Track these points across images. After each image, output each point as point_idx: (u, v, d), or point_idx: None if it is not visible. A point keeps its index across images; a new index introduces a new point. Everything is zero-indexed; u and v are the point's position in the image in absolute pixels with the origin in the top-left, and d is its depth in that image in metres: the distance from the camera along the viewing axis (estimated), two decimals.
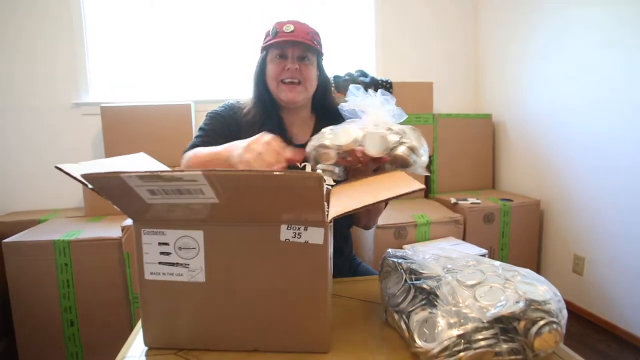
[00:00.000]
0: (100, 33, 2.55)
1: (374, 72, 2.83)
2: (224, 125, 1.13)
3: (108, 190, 0.63)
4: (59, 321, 1.79)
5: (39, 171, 2.45)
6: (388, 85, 2.53)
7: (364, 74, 2.60)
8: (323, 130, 0.92)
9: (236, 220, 0.64)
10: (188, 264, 0.66)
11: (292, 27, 1.09)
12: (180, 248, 0.66)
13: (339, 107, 0.96)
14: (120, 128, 2.23)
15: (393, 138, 0.86)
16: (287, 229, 0.63)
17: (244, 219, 0.64)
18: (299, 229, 0.63)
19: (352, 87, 0.95)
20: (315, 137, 0.92)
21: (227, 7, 2.66)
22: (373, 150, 0.85)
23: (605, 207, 2.15)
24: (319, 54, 1.15)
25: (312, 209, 0.61)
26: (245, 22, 2.69)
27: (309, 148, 0.92)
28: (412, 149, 0.87)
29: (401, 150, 0.86)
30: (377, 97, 0.92)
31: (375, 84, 2.51)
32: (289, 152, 0.83)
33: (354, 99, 0.93)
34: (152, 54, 2.61)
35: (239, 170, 0.59)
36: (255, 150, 0.80)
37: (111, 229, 1.85)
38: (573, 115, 2.32)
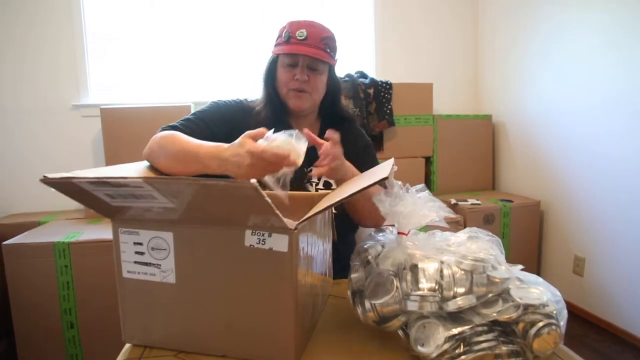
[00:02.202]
0: (100, 35, 2.55)
1: (374, 73, 2.83)
2: (217, 118, 1.09)
3: (72, 194, 0.63)
4: (58, 323, 1.78)
5: (39, 173, 2.44)
6: (388, 87, 2.53)
7: (364, 75, 2.60)
8: None
9: (204, 222, 0.63)
10: (160, 265, 0.66)
11: (305, 34, 1.06)
12: (152, 248, 0.66)
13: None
14: (120, 129, 2.23)
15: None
16: (252, 234, 0.62)
17: (210, 221, 0.63)
18: (263, 235, 0.61)
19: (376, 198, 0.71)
20: None
21: (226, 8, 2.66)
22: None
23: (606, 207, 2.15)
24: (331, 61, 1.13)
25: (265, 214, 0.58)
26: (245, 24, 2.69)
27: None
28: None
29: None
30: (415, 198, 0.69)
31: (375, 85, 2.51)
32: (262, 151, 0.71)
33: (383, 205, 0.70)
34: (151, 56, 2.61)
35: (176, 178, 0.57)
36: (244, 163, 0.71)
37: (111, 231, 1.84)
38: (573, 116, 2.32)
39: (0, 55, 2.40)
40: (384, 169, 0.73)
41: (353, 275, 0.72)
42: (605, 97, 2.13)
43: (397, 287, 0.63)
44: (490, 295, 0.62)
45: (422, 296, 0.61)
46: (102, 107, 2.27)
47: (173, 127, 1.03)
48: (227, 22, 2.67)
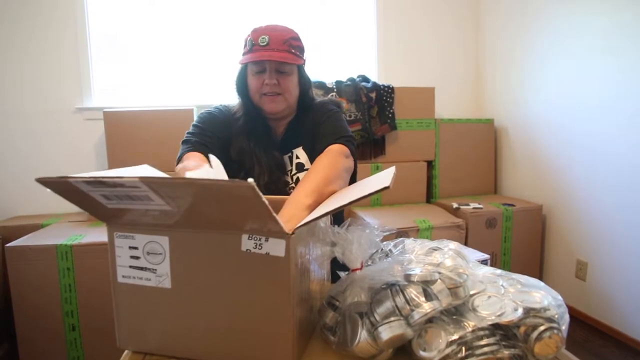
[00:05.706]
0: (104, 38, 2.57)
1: (376, 77, 2.84)
2: (217, 126, 1.16)
3: (68, 195, 0.62)
4: (60, 325, 1.78)
5: (42, 175, 2.45)
6: (390, 90, 2.54)
7: (366, 79, 2.60)
8: None
9: (200, 226, 0.62)
10: (155, 269, 0.66)
11: (267, 39, 1.10)
12: (148, 253, 0.66)
13: None
14: (123, 133, 2.24)
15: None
16: (249, 239, 0.61)
17: (207, 226, 0.62)
18: (259, 239, 0.60)
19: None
20: None
21: (228, 12, 2.67)
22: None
23: (608, 212, 2.15)
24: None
25: (262, 218, 0.58)
26: (246, 27, 2.69)
27: None
28: None
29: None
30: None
31: (377, 89, 2.52)
32: None
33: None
34: (154, 59, 2.62)
35: (175, 178, 0.57)
36: None
37: None
38: (575, 119, 2.31)
39: (2, 57, 2.41)
40: (385, 177, 0.73)
41: (324, 319, 0.72)
42: (607, 101, 2.12)
43: (362, 326, 0.64)
44: (453, 293, 0.63)
45: (387, 323, 0.62)
46: (105, 110, 2.28)
47: (188, 142, 1.10)
48: (229, 26, 2.67)
